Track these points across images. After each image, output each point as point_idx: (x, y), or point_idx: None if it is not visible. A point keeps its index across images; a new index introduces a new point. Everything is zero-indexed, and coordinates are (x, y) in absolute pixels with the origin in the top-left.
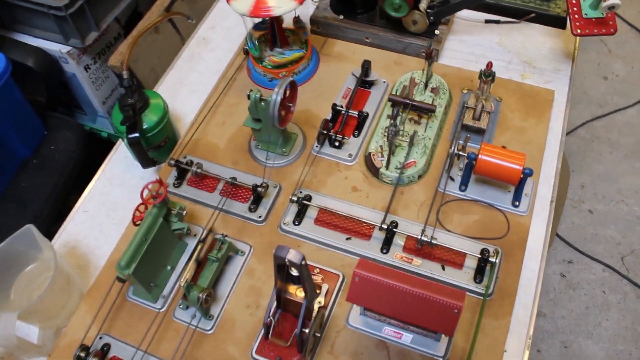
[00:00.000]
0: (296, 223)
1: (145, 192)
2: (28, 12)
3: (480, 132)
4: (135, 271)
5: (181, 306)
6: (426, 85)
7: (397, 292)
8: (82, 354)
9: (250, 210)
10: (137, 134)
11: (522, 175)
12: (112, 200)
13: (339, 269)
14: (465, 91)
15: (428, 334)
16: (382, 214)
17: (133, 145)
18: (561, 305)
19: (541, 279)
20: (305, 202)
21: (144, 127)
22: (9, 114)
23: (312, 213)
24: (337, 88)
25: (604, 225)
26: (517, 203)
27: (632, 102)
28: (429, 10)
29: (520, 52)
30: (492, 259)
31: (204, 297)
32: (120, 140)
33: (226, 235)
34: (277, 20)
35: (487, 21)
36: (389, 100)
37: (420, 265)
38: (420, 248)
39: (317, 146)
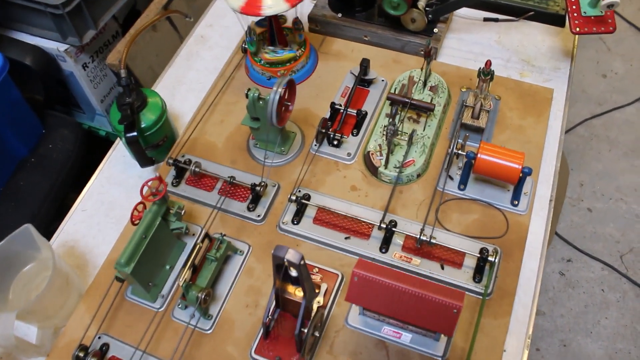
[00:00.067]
0: (295, 222)
1: (145, 189)
2: (25, 10)
3: (479, 130)
4: (134, 270)
5: (180, 306)
6: (425, 84)
7: (396, 292)
8: (81, 354)
9: (248, 209)
10: (135, 133)
11: (521, 174)
12: (110, 199)
13: (338, 268)
14: (464, 90)
15: (427, 333)
16: (381, 213)
17: (131, 144)
18: (560, 303)
19: (540, 278)
20: (304, 201)
21: (142, 125)
22: (6, 113)
23: (310, 212)
24: (336, 86)
25: (603, 223)
26: (516, 202)
27: (631, 99)
28: (427, 9)
29: (519, 51)
30: (491, 258)
31: (203, 296)
32: (118, 139)
33: (225, 235)
34: (276, 19)
35: (485, 19)
36: (388, 99)
37: (420, 265)
38: (420, 247)
39: (315, 145)
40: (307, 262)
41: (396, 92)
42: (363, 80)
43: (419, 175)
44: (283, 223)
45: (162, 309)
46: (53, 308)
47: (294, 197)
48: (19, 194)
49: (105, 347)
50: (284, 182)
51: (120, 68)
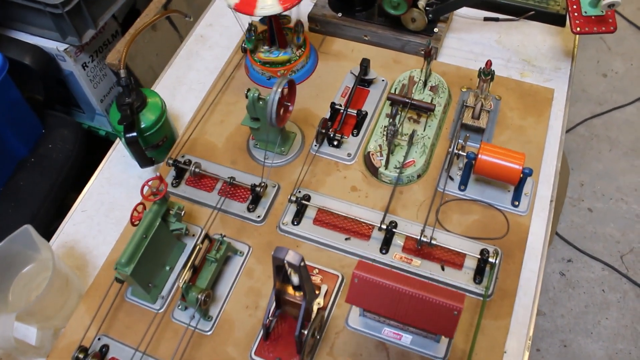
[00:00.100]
0: (295, 223)
1: (146, 189)
2: (25, 9)
3: (479, 131)
4: (133, 271)
5: (180, 307)
6: (425, 84)
7: (396, 293)
8: (81, 356)
9: (248, 210)
10: (134, 133)
11: (521, 175)
12: (110, 200)
13: (338, 269)
14: (464, 90)
15: (428, 335)
16: (382, 213)
17: (131, 144)
18: (560, 304)
19: (541, 279)
20: (304, 202)
21: (142, 126)
22: (6, 113)
23: (311, 213)
24: (336, 87)
25: (604, 223)
26: (517, 203)
27: (632, 99)
28: (427, 8)
29: (520, 50)
30: (492, 260)
31: (203, 298)
32: (118, 139)
33: (225, 236)
34: (276, 18)
35: (486, 19)
36: (388, 99)
37: (420, 266)
38: (420, 248)
39: (315, 145)
40: (307, 263)
41: (396, 92)
42: (363, 80)
43: (419, 176)
44: (283, 224)
45: (162, 310)
46: (53, 309)
47: (294, 198)
48: (19, 194)
49: (105, 349)
50: (284, 183)
51: (119, 68)
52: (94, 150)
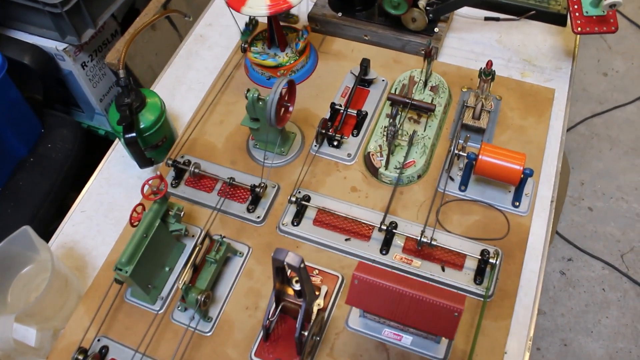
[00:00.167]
0: (295, 224)
1: (146, 188)
2: (23, 9)
3: (480, 131)
4: (133, 272)
5: (179, 308)
6: (425, 84)
7: (396, 295)
8: (80, 357)
9: (248, 210)
10: (134, 134)
11: (522, 176)
12: (110, 200)
13: (338, 270)
14: (464, 90)
15: (428, 336)
16: (382, 214)
17: (130, 145)
18: (561, 303)
19: (542, 279)
20: (304, 202)
21: (141, 126)
22: (5, 112)
23: (310, 213)
24: (336, 87)
25: (604, 222)
26: (518, 203)
27: (632, 98)
28: (428, 8)
29: (520, 50)
30: (492, 260)
31: (203, 299)
32: (117, 139)
33: (224, 237)
34: (275, 19)
35: (486, 18)
36: (388, 99)
37: (420, 267)
38: (420, 249)
39: (315, 146)
40: (307, 263)
41: (396, 93)
42: (363, 80)
43: (419, 176)
44: (283, 224)
45: (161, 311)
46: (52, 310)
47: (293, 199)
48: (19, 193)
49: (104, 350)
50: (284, 183)
51: (119, 67)
52: (93, 149)
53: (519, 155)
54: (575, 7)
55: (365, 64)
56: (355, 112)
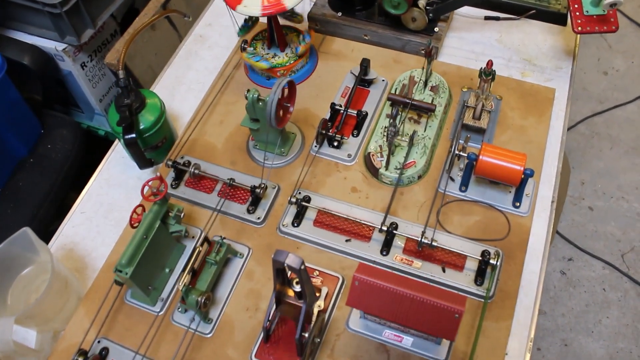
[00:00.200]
0: (295, 225)
1: (146, 189)
2: (23, 9)
3: (480, 131)
4: (133, 273)
5: (180, 309)
6: (426, 84)
7: (397, 296)
8: (80, 359)
9: (248, 211)
10: (133, 135)
11: (523, 176)
12: (110, 201)
13: (338, 271)
14: (465, 90)
15: (429, 337)
16: (382, 215)
17: (130, 146)
18: (561, 303)
19: (542, 280)
20: (304, 203)
21: (141, 127)
22: (5, 113)
23: (311, 214)
24: (336, 87)
25: (604, 222)
26: (518, 204)
27: (632, 97)
28: (428, 8)
29: (521, 50)
30: (493, 261)
31: (203, 300)
32: (117, 140)
33: (224, 238)
34: (275, 19)
35: (486, 18)
36: (389, 99)
37: (421, 268)
38: (421, 250)
39: (315, 146)
40: (307, 265)
41: (397, 93)
42: (363, 80)
43: (420, 177)
44: (283, 225)
45: (161, 312)
46: (52, 311)
47: (294, 199)
48: (19, 194)
49: (104, 351)
50: (284, 184)
51: (118, 68)
52: (93, 149)
53: (519, 155)
54: (576, 6)
55: (365, 64)
56: (356, 112)
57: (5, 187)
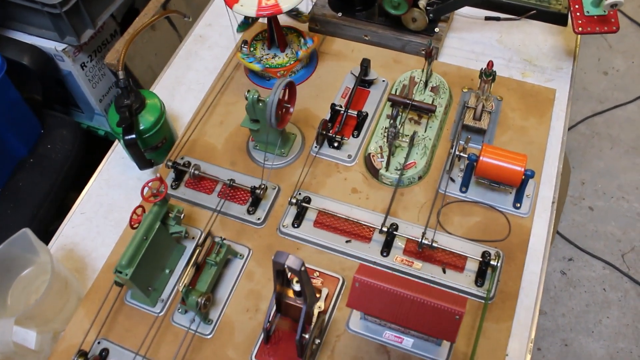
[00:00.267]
0: (295, 225)
1: (146, 190)
2: (23, 9)
3: (480, 132)
4: (133, 274)
5: (180, 310)
6: (426, 85)
7: (397, 297)
8: None
9: (248, 212)
10: (133, 136)
11: (523, 177)
12: (109, 201)
13: (338, 272)
14: (465, 90)
15: (429, 338)
16: (382, 216)
17: (130, 146)
18: (561, 303)
19: (543, 281)
20: (304, 204)
21: (141, 128)
22: (5, 113)
23: (311, 215)
24: (336, 87)
25: (605, 222)
26: (519, 205)
27: (633, 97)
28: (428, 8)
29: (521, 50)
30: (494, 262)
31: (203, 301)
32: (117, 140)
33: (225, 239)
34: (275, 19)
35: (487, 18)
36: (389, 100)
37: (421, 269)
38: (421, 251)
39: (316, 147)
40: (307, 266)
41: (397, 93)
42: (363, 81)
43: (420, 178)
44: (283, 226)
45: (162, 313)
46: (52, 312)
47: (294, 200)
48: (19, 194)
49: (104, 352)
50: (284, 185)
51: (118, 68)
52: (93, 149)
53: (520, 156)
54: (576, 6)
55: (365, 64)
56: (356, 113)
57: (5, 187)
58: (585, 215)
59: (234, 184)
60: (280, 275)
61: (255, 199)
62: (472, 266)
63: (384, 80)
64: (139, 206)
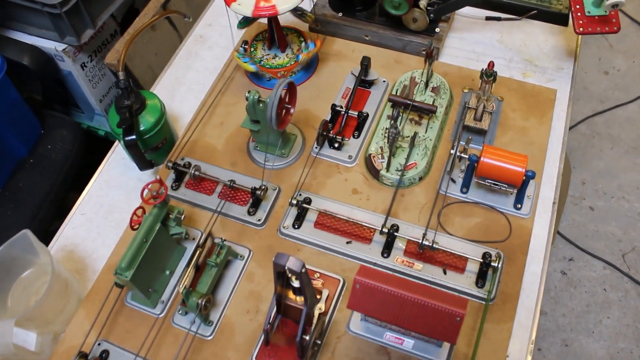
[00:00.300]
0: (296, 226)
1: (146, 192)
2: (22, 9)
3: (481, 132)
4: (133, 276)
5: (180, 312)
6: (427, 85)
7: (398, 299)
8: None
9: (249, 213)
10: (134, 137)
11: (524, 178)
12: (110, 202)
13: (339, 273)
14: (466, 90)
15: (430, 339)
16: (383, 216)
17: (130, 147)
18: (562, 303)
19: (544, 281)
20: (304, 205)
21: (141, 129)
22: (5, 113)
23: (311, 216)
24: (337, 87)
25: (605, 222)
26: (519, 205)
27: (633, 97)
28: (429, 8)
29: (522, 50)
30: (494, 263)
31: (203, 303)
32: (117, 141)
33: (225, 240)
34: (275, 20)
35: (487, 18)
36: (389, 100)
37: (422, 270)
38: (422, 252)
39: (316, 147)
40: (308, 267)
41: (397, 94)
42: (364, 81)
43: (421, 178)
44: (284, 227)
45: (162, 314)
46: (52, 314)
47: (294, 201)
48: (19, 194)
49: (105, 354)
50: (285, 185)
51: (118, 68)
52: (93, 150)
53: (521, 157)
54: (577, 6)
55: (365, 63)
56: (356, 113)
57: (5, 187)
58: (585, 215)
59: (234, 185)
60: (281, 277)
61: (255, 200)
62: (472, 267)
63: (384, 81)
64: (139, 207)
